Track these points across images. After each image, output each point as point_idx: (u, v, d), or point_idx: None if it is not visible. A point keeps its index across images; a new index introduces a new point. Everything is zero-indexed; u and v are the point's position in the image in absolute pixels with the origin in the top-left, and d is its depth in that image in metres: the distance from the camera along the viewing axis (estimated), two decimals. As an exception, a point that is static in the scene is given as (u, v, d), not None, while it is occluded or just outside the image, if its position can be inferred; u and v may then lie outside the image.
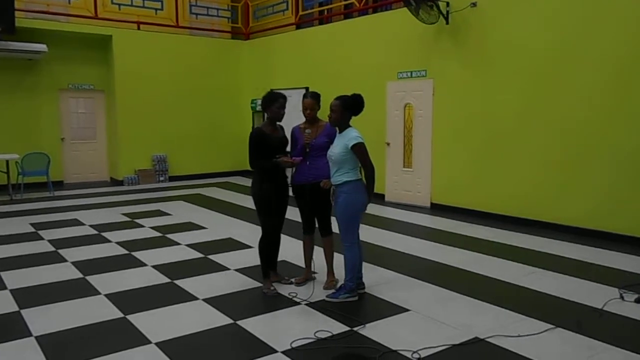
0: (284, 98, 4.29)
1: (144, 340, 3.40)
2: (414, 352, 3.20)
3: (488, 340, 3.40)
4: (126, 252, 5.60)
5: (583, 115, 6.13)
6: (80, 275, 4.79)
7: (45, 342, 3.39)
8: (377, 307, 4.01)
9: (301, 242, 4.57)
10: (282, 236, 4.55)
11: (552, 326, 3.60)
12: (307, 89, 9.42)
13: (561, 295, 4.23)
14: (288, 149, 4.38)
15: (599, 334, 3.47)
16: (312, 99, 4.28)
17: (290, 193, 4.40)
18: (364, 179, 4.03)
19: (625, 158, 5.78)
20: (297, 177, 4.34)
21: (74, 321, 3.71)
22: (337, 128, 4.10)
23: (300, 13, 10.68)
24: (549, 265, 5.03)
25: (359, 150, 3.90)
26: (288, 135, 4.40)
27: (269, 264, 4.41)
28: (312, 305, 4.01)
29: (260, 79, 11.49)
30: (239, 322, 3.69)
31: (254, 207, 4.32)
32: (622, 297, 4.14)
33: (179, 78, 11.08)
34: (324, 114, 4.16)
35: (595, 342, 3.36)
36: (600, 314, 3.84)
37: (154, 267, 5.04)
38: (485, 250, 5.61)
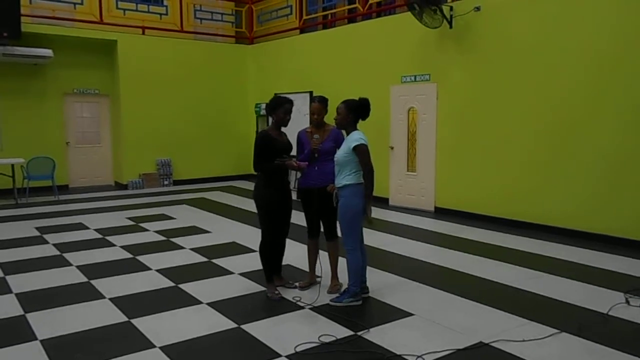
0: (291, 103, 4.28)
1: (149, 344, 3.41)
2: (419, 357, 3.19)
3: (492, 344, 3.38)
4: (131, 256, 5.61)
5: (587, 118, 6.12)
6: (85, 279, 4.80)
7: (50, 346, 3.40)
8: (382, 312, 4.00)
9: (305, 246, 4.57)
10: (287, 240, 4.55)
11: (557, 331, 3.58)
12: (311, 93, 9.45)
13: (565, 299, 4.21)
14: (294, 153, 4.38)
15: (605, 339, 3.45)
16: (319, 104, 4.28)
17: (295, 197, 4.41)
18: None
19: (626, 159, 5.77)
20: (303, 181, 4.35)
21: (79, 325, 3.72)
22: (344, 132, 4.12)
23: (304, 17, 10.70)
24: (553, 269, 5.01)
25: (360, 152, 3.90)
26: (291, 140, 4.41)
27: (272, 268, 4.41)
28: (316, 309, 4.01)
29: (264, 84, 11.53)
30: (243, 326, 3.70)
31: (256, 211, 4.32)
32: (627, 302, 4.12)
33: (183, 82, 11.13)
34: (332, 119, 4.17)
35: (600, 347, 3.34)
36: (605, 319, 3.82)
37: (159, 271, 5.06)
38: (489, 253, 5.59)
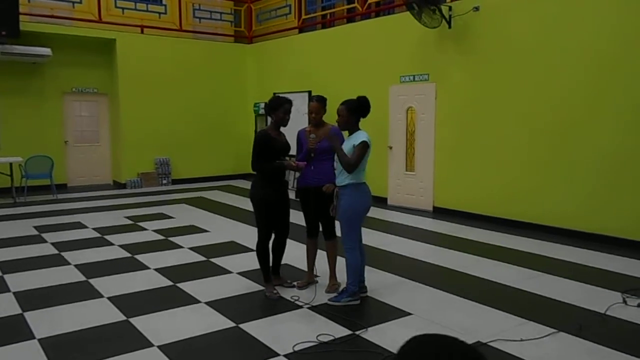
0: (290, 103, 4.28)
1: (147, 343, 3.41)
2: (417, 356, 3.19)
3: (491, 344, 3.39)
4: (129, 255, 5.61)
5: (586, 118, 6.13)
6: (84, 278, 4.80)
7: (49, 344, 3.40)
8: (380, 311, 4.01)
9: (304, 246, 4.57)
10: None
11: (554, 330, 3.59)
12: (309, 92, 9.44)
13: (564, 299, 4.22)
14: (293, 152, 4.39)
15: (603, 339, 3.46)
16: (317, 103, 4.28)
17: (294, 197, 4.41)
18: (366, 182, 4.07)
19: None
20: (301, 181, 4.36)
21: (77, 324, 3.72)
22: (344, 131, 4.13)
23: (303, 17, 10.70)
24: (551, 269, 5.02)
25: (359, 146, 3.91)
26: (290, 140, 4.41)
27: (271, 267, 4.41)
28: (314, 308, 4.01)
29: (263, 83, 11.53)
30: (241, 325, 3.70)
31: (252, 210, 4.33)
32: (624, 302, 4.13)
33: (182, 82, 11.12)
34: (330, 118, 4.17)
35: (598, 347, 3.35)
36: (603, 319, 3.83)
37: (157, 270, 5.05)
38: (487, 253, 5.60)
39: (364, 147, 3.91)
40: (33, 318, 3.84)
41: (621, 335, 3.58)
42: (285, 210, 4.37)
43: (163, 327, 3.68)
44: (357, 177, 3.98)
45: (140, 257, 5.49)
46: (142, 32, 10.77)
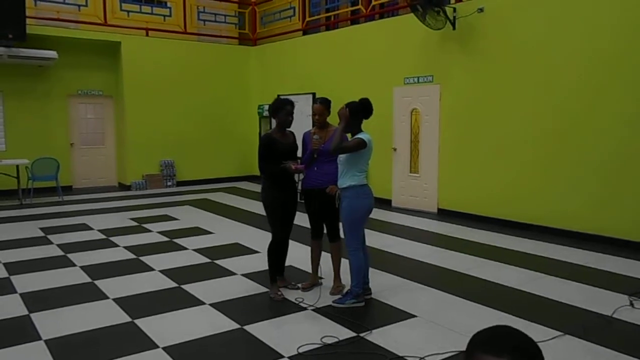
0: (292, 105, 4.32)
1: (152, 345, 3.42)
2: (421, 359, 3.19)
3: (495, 346, 3.37)
4: (134, 256, 5.63)
5: (589, 119, 6.11)
6: (89, 280, 4.82)
7: (55, 345, 3.42)
8: (384, 313, 4.00)
9: (308, 247, 4.58)
10: (290, 241, 4.57)
11: (560, 333, 3.57)
12: (313, 94, 9.46)
13: (569, 301, 4.20)
14: (299, 154, 4.41)
15: (609, 342, 3.44)
16: (321, 105, 4.31)
17: (299, 198, 4.43)
18: (369, 184, 4.07)
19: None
20: (306, 183, 4.38)
21: (83, 325, 3.74)
22: (348, 133, 4.15)
23: (307, 19, 10.72)
24: (556, 271, 5.00)
25: (354, 139, 3.94)
26: (299, 141, 4.43)
27: (277, 269, 4.43)
28: (318, 310, 4.02)
29: (267, 85, 11.55)
30: (245, 327, 3.71)
31: (260, 212, 4.37)
32: (632, 304, 4.11)
33: (186, 84, 11.16)
34: (334, 120, 4.18)
35: (605, 350, 3.33)
36: (609, 321, 3.81)
37: (162, 271, 5.07)
38: (491, 255, 5.59)
39: (360, 142, 3.93)
40: (39, 319, 3.86)
41: (628, 338, 3.56)
42: (291, 212, 4.39)
43: (168, 328, 3.69)
44: (358, 178, 3.99)
45: (145, 259, 5.51)
46: (147, 34, 10.82)
